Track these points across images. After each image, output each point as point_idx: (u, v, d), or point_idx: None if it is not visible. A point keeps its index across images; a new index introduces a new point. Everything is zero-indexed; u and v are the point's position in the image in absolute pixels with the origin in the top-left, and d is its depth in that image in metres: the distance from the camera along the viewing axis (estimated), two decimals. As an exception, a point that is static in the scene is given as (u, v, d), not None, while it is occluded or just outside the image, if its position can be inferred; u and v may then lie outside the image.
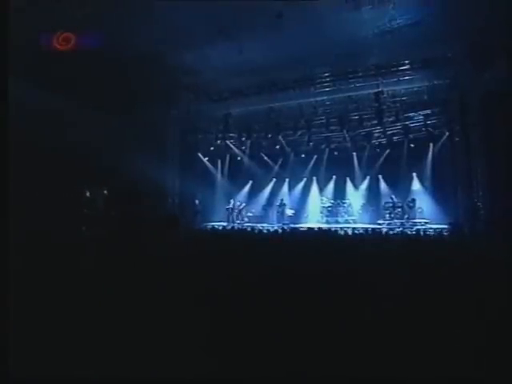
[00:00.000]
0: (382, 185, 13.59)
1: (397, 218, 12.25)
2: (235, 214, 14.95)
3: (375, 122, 12.41)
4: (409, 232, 9.63)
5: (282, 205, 14.60)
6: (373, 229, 9.38)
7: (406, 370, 2.09)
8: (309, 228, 11.01)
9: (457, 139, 11.52)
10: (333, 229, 10.31)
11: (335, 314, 2.59)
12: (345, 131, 13.10)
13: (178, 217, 9.42)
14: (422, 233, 8.88)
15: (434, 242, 7.96)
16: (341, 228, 11.26)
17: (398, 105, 12.22)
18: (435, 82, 11.61)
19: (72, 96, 10.12)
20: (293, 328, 2.44)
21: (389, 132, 12.80)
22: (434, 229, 10.39)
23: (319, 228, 10.52)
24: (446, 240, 9.01)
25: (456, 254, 5.82)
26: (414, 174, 13.01)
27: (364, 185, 13.97)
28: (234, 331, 2.47)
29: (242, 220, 14.73)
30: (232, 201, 15.25)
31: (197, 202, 14.51)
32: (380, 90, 11.62)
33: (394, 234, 9.20)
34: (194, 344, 2.31)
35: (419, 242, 7.67)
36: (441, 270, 3.78)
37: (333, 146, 14.05)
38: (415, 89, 12.11)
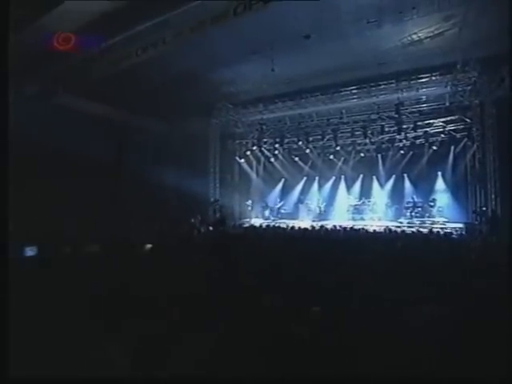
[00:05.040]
0: (407, 185, 14.32)
1: (417, 217, 13.03)
2: (269, 211, 16.52)
3: (396, 128, 13.35)
4: (425, 230, 10.54)
5: (312, 202, 15.93)
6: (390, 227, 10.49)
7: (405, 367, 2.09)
8: (335, 225, 12.19)
9: (476, 143, 12.21)
10: (356, 226, 11.49)
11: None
12: (368, 138, 14.07)
13: (225, 218, 12.39)
14: (435, 230, 9.88)
15: (449, 239, 8.93)
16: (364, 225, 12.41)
17: (416, 114, 13.12)
18: (455, 89, 12.35)
19: (134, 111, 12.22)
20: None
21: (411, 136, 13.64)
22: (452, 227, 11.33)
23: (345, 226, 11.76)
24: (461, 238, 9.97)
25: (469, 251, 6.72)
26: (439, 174, 13.54)
27: (389, 185, 14.76)
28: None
29: (276, 216, 16.17)
30: (266, 199, 16.88)
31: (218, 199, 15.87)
32: (401, 98, 12.63)
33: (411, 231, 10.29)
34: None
35: (432, 239, 8.65)
36: (454, 267, 4.31)
37: (359, 148, 14.94)
38: (436, 95, 12.87)
